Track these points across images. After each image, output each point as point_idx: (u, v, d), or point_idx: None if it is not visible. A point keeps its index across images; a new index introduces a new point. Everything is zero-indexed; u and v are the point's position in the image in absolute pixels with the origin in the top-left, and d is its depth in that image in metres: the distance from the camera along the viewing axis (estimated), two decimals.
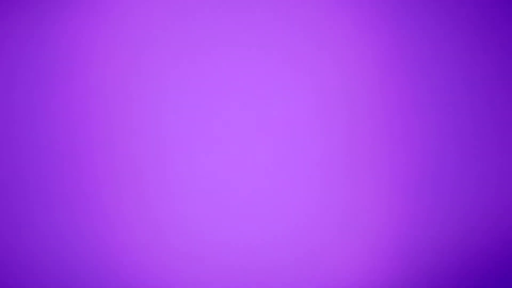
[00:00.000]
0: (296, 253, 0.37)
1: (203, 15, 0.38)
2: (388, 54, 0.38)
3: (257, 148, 0.38)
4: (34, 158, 0.37)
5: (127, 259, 0.37)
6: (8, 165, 0.37)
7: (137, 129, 0.37)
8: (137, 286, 0.37)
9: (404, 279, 0.37)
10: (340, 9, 0.38)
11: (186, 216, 0.37)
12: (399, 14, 0.38)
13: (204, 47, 0.38)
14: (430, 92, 0.38)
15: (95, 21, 0.38)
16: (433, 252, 0.37)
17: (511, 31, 0.38)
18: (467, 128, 0.38)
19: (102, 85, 0.38)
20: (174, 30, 0.38)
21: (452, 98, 0.38)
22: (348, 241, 0.37)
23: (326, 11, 0.38)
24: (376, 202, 0.37)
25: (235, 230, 0.37)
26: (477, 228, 0.38)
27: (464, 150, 0.38)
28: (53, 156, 0.37)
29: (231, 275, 0.37)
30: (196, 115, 0.38)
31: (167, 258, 0.37)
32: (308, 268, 0.37)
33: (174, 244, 0.37)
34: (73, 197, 0.37)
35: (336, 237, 0.37)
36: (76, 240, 0.37)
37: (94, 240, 0.37)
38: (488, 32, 0.38)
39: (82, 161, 0.37)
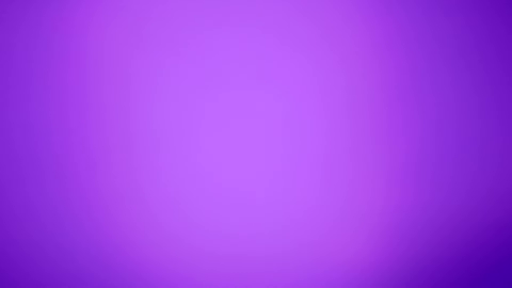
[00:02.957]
0: (295, 244, 0.37)
1: (202, 11, 0.38)
2: (391, 51, 0.38)
3: (257, 142, 0.38)
4: (29, 155, 0.37)
5: (125, 252, 0.37)
6: (4, 163, 0.37)
7: (134, 126, 0.37)
8: (137, 281, 0.37)
9: (402, 270, 0.38)
10: (344, 6, 0.38)
11: (186, 210, 0.37)
12: (404, 10, 0.38)
13: (204, 43, 0.38)
14: (433, 90, 0.38)
15: (89, 14, 0.38)
16: (432, 244, 0.38)
17: None
18: (469, 126, 0.38)
19: (97, 83, 0.38)
20: (173, 27, 0.38)
21: (454, 95, 0.38)
22: (348, 233, 0.37)
23: (329, 8, 0.38)
24: (375, 195, 0.38)
25: (234, 222, 0.37)
26: (475, 223, 0.38)
27: (466, 149, 0.38)
28: (49, 152, 0.37)
29: (230, 267, 0.37)
30: (197, 113, 0.38)
31: (166, 251, 0.37)
32: (307, 259, 0.37)
33: (174, 237, 0.37)
34: (70, 191, 0.37)
35: (336, 229, 0.37)
36: (74, 235, 0.37)
37: (92, 234, 0.37)
38: (493, 29, 0.38)
39: (79, 156, 0.37)
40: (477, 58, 0.38)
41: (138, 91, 0.38)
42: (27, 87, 0.38)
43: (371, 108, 0.38)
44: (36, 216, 0.37)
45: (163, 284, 0.37)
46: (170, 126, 0.38)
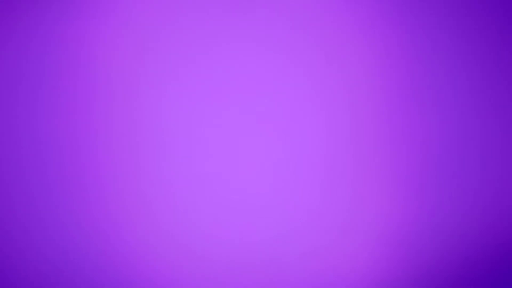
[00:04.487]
0: (299, 251, 0.37)
1: (206, 15, 0.38)
2: (390, 53, 0.38)
3: (260, 147, 0.38)
4: (36, 157, 0.37)
5: (129, 257, 0.37)
6: (10, 163, 0.37)
7: (140, 129, 0.38)
8: (138, 284, 0.37)
9: (407, 277, 0.37)
10: (342, 8, 0.38)
11: (189, 215, 0.37)
12: (401, 12, 0.38)
13: (207, 48, 0.38)
14: (433, 90, 0.38)
15: (98, 21, 0.38)
16: (436, 250, 0.37)
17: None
18: (470, 126, 0.38)
19: (105, 85, 0.38)
20: (177, 30, 0.38)
21: (454, 95, 0.38)
22: (352, 239, 0.37)
23: (328, 11, 0.38)
24: (379, 201, 0.37)
25: (238, 228, 0.37)
26: (480, 227, 0.38)
27: (467, 149, 0.38)
28: (55, 156, 0.37)
29: (233, 273, 0.37)
30: (199, 115, 0.38)
31: (169, 255, 0.37)
32: (311, 265, 0.37)
33: (177, 242, 0.37)
34: (75, 195, 0.37)
35: (339, 235, 0.37)
36: (78, 239, 0.37)
37: (96, 238, 0.37)
38: (490, 30, 0.38)
39: (84, 160, 0.37)
40: (479, 71, 0.38)
41: (145, 99, 0.38)
42: (37, 90, 0.38)
43: (373, 118, 0.38)
44: (38, 219, 0.37)
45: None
46: (175, 131, 0.38)
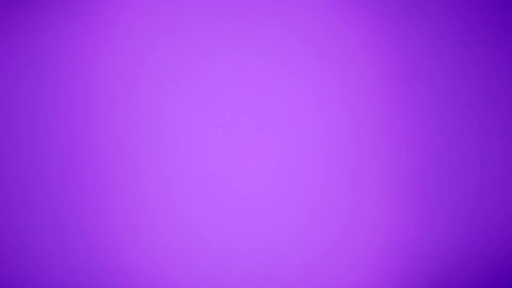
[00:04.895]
0: (298, 255, 0.37)
1: (205, 20, 0.38)
2: (390, 54, 0.38)
3: (260, 148, 0.38)
4: (36, 156, 0.37)
5: (127, 260, 0.37)
6: (10, 163, 0.37)
7: (139, 131, 0.37)
8: (138, 284, 0.37)
9: (408, 281, 0.37)
10: (342, 11, 0.38)
11: (188, 215, 0.37)
12: (401, 13, 0.38)
13: (207, 49, 0.38)
14: (433, 91, 0.38)
15: (99, 22, 0.38)
16: (437, 253, 0.37)
17: (509, 29, 0.39)
18: (468, 128, 0.38)
19: (105, 85, 0.38)
20: (176, 34, 0.38)
21: (452, 97, 0.38)
22: (351, 243, 0.37)
23: (327, 13, 0.38)
24: (379, 205, 0.37)
25: (238, 228, 0.37)
26: (480, 230, 0.38)
27: (466, 150, 0.38)
28: (55, 156, 0.37)
29: (233, 273, 0.37)
30: (199, 116, 0.38)
31: (167, 259, 0.37)
32: (311, 270, 0.37)
33: (175, 246, 0.37)
34: (75, 195, 0.37)
35: (339, 239, 0.37)
36: (77, 239, 0.37)
37: (94, 241, 0.37)
38: (485, 31, 0.38)
39: (84, 162, 0.37)
40: (479, 71, 0.38)
41: (145, 99, 0.38)
42: (36, 92, 0.38)
43: (373, 118, 0.38)
44: (38, 219, 0.37)
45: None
46: (175, 131, 0.38)
